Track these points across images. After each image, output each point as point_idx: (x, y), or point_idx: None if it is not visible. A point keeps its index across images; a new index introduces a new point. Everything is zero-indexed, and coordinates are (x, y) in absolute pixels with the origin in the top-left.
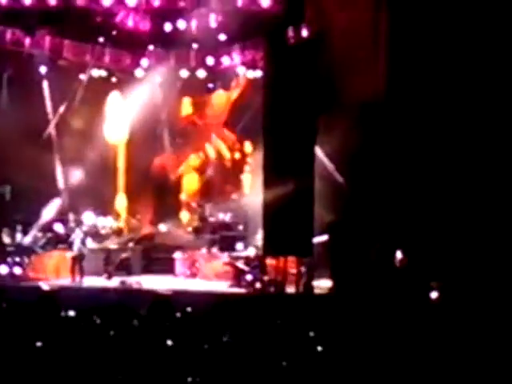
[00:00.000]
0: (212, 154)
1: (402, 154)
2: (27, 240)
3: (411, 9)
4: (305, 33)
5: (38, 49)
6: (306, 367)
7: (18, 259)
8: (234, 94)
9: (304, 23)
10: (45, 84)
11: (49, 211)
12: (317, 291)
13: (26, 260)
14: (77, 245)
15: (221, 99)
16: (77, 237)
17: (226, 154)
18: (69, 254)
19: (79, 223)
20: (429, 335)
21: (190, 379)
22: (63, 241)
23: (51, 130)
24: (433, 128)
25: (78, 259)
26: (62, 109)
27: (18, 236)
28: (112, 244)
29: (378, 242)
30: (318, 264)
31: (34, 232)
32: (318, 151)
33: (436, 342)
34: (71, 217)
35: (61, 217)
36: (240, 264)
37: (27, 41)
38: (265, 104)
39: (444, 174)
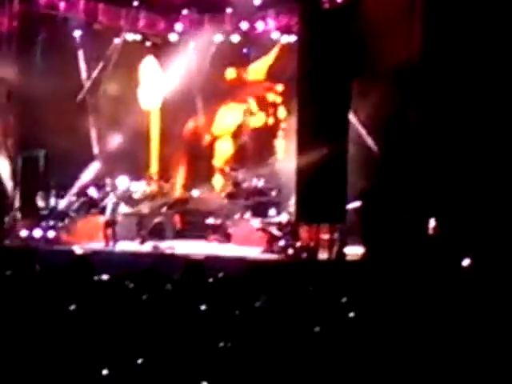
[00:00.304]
0: (246, 118)
1: (437, 121)
2: (61, 204)
3: None
4: None
5: (72, 12)
6: (338, 333)
7: (51, 223)
8: (271, 58)
9: None
10: (79, 48)
11: (87, 175)
12: (349, 258)
13: (60, 224)
14: (109, 209)
15: (260, 65)
16: (110, 201)
17: (261, 118)
18: (102, 219)
19: (113, 188)
20: (461, 303)
21: (221, 344)
22: (97, 205)
23: (85, 94)
24: (467, 96)
25: (111, 224)
26: (96, 73)
27: (52, 200)
28: (145, 209)
29: (412, 208)
30: (350, 230)
31: (68, 196)
32: (352, 117)
33: (468, 310)
34: (106, 181)
35: (96, 181)
36: (273, 230)
37: (62, 4)
38: (299, 69)
39: (478, 142)
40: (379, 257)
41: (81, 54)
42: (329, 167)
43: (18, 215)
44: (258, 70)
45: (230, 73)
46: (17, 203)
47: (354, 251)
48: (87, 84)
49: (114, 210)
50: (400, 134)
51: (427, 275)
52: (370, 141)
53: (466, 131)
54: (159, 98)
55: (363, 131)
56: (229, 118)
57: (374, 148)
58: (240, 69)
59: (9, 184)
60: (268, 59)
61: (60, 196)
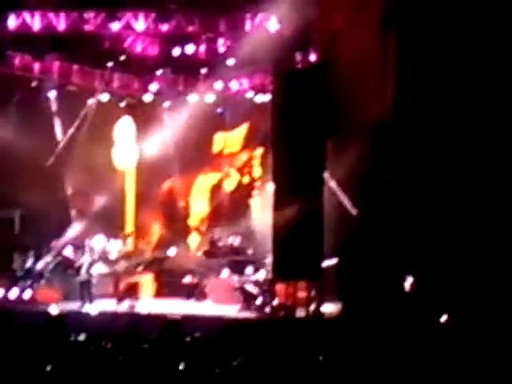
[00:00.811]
0: (221, 178)
1: (412, 177)
2: (37, 264)
3: (419, 32)
4: (313, 57)
5: (46, 74)
6: None
7: (27, 283)
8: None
9: (312, 47)
10: (54, 108)
11: (66, 235)
12: (326, 315)
13: (36, 284)
14: (84, 269)
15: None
16: (85, 261)
17: (235, 178)
18: (77, 279)
19: (89, 248)
20: (438, 359)
21: None
22: (73, 265)
23: (59, 155)
24: (442, 150)
25: (86, 283)
26: (69, 133)
27: (28, 260)
28: (121, 268)
29: (388, 265)
30: (327, 288)
31: (43, 256)
32: (327, 176)
33: (445, 365)
34: (84, 241)
35: (72, 241)
36: (249, 288)
37: (36, 66)
38: (273, 129)
39: (456, 197)
40: (356, 314)
41: (55, 114)
42: (305, 225)
43: None
44: (234, 140)
45: (218, 139)
46: None
47: (331, 308)
48: (60, 145)
49: (89, 269)
50: (376, 191)
51: (405, 332)
52: (345, 199)
53: (442, 186)
54: (134, 159)
55: (338, 190)
56: (205, 182)
57: (350, 207)
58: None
59: None
60: (242, 129)
61: (36, 256)
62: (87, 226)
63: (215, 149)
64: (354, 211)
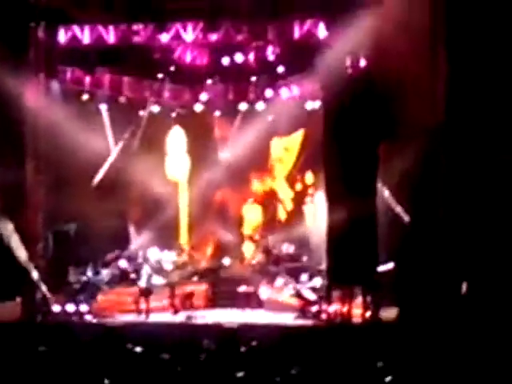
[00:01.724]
0: (274, 185)
1: (466, 180)
2: (93, 277)
3: (470, 33)
4: (362, 62)
5: (97, 87)
6: None
7: (84, 297)
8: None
9: (362, 53)
10: (105, 121)
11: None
12: (383, 320)
13: (92, 297)
14: (144, 280)
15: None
16: (144, 273)
17: (288, 185)
18: (135, 290)
19: (144, 259)
20: (496, 363)
21: None
22: (128, 277)
23: (113, 167)
24: (496, 152)
25: (145, 295)
26: (122, 145)
27: (85, 273)
28: (176, 278)
29: (444, 270)
30: (384, 293)
31: (99, 269)
32: (379, 182)
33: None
34: (138, 253)
35: (127, 253)
36: (305, 295)
37: (87, 79)
38: (325, 135)
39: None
40: (413, 319)
41: (107, 126)
42: (359, 230)
43: (48, 291)
44: (291, 147)
45: (275, 146)
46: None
47: (388, 313)
48: (113, 157)
49: (149, 280)
50: (429, 195)
51: (461, 336)
52: (397, 205)
53: (497, 189)
54: (187, 169)
55: (390, 195)
56: (259, 190)
57: (402, 213)
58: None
59: (22, 254)
60: (298, 135)
61: (92, 270)
62: (142, 237)
63: (272, 155)
64: (406, 217)
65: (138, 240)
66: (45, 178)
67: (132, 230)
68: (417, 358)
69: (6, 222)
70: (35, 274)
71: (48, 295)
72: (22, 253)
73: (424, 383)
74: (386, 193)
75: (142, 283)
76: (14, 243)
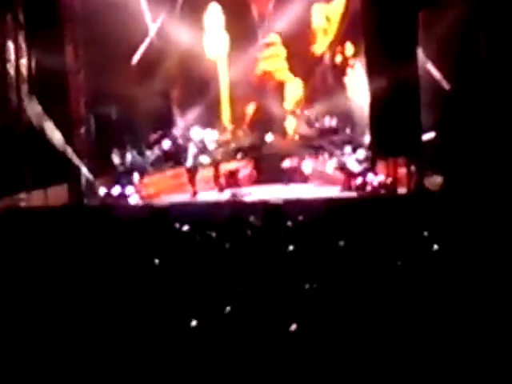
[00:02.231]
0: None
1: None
2: (137, 159)
3: None
4: None
5: None
6: (422, 267)
7: (129, 179)
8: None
9: None
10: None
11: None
12: (428, 189)
13: (137, 179)
14: (191, 159)
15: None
16: (189, 152)
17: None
18: (180, 170)
19: (188, 139)
20: None
21: (307, 286)
22: (172, 158)
23: (151, 46)
24: None
25: (193, 173)
26: (158, 25)
27: (128, 156)
28: (220, 157)
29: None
30: (428, 162)
31: (143, 151)
32: (419, 50)
33: None
34: (181, 133)
35: (169, 133)
36: (350, 168)
37: None
38: (364, 4)
39: None
40: (459, 186)
41: (144, 5)
42: (401, 101)
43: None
44: (333, 14)
45: (317, 11)
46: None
47: (432, 182)
48: (151, 35)
49: (194, 160)
50: (471, 65)
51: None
52: (438, 73)
53: None
54: (225, 46)
55: (431, 63)
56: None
57: (443, 81)
58: None
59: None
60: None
61: (136, 151)
62: (185, 117)
63: (314, 23)
64: (446, 85)
65: (180, 120)
66: (84, 61)
67: (174, 110)
68: (462, 226)
69: (35, 106)
70: (75, 158)
71: (91, 178)
72: (57, 136)
73: (470, 251)
74: (427, 60)
75: (188, 163)
76: (48, 127)
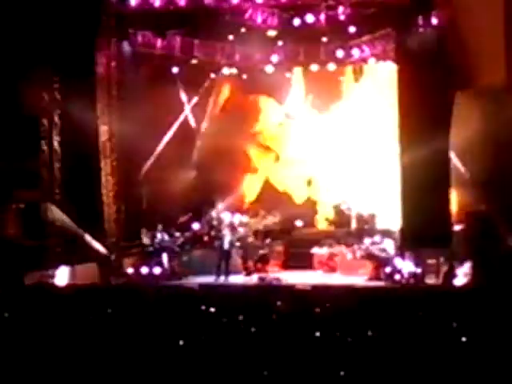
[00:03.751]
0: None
1: None
2: (166, 240)
3: None
4: (434, 20)
5: (169, 49)
6: (451, 358)
7: (157, 259)
8: None
9: (433, 11)
10: (178, 84)
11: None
12: (457, 281)
13: (165, 259)
14: (226, 243)
15: None
16: (224, 235)
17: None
18: (208, 252)
19: (219, 222)
20: None
21: (333, 373)
22: (202, 240)
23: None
24: None
25: (226, 257)
26: (190, 107)
27: (157, 236)
28: (249, 241)
29: None
30: (457, 253)
31: (172, 232)
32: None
33: None
34: (209, 215)
35: (198, 216)
36: (378, 256)
37: (158, 42)
38: (399, 95)
39: None
40: (488, 279)
41: (180, 89)
42: (432, 192)
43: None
44: None
45: None
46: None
47: (461, 274)
48: (186, 117)
49: (229, 243)
50: (496, 152)
51: None
52: (459, 162)
53: None
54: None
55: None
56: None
57: (463, 169)
58: None
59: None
60: None
61: (164, 232)
62: (215, 200)
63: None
64: (466, 174)
65: (210, 203)
66: (117, 143)
67: (204, 192)
68: (491, 318)
69: (51, 208)
70: (90, 239)
71: (112, 257)
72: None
73: (499, 343)
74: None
75: (225, 246)
76: (65, 220)
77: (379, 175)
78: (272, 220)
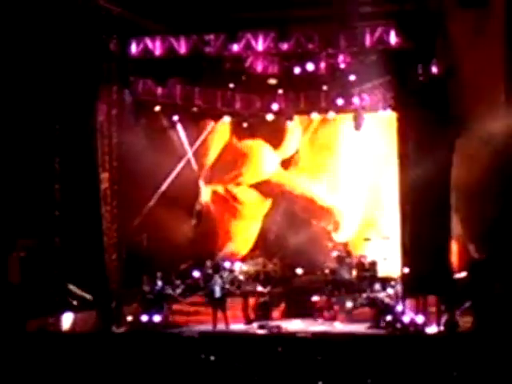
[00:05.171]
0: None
1: None
2: (166, 287)
3: None
4: (434, 69)
5: (169, 97)
6: None
7: (157, 307)
8: None
9: (433, 60)
10: (178, 131)
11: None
12: (458, 329)
13: (166, 307)
14: (218, 291)
15: None
16: (215, 283)
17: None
18: (209, 301)
19: (217, 269)
20: None
21: None
22: (201, 287)
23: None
24: None
25: (219, 305)
26: (191, 154)
27: (157, 283)
28: (249, 288)
29: None
30: (459, 301)
31: (172, 279)
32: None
33: None
34: (207, 263)
35: (197, 263)
36: (379, 304)
37: (159, 90)
38: (399, 143)
39: None
40: (490, 327)
41: (181, 136)
42: (433, 240)
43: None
44: None
45: None
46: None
47: (462, 322)
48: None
49: (222, 291)
50: (499, 208)
51: None
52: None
53: None
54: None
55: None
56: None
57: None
58: None
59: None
60: None
61: (164, 279)
62: (215, 248)
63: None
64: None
65: (211, 251)
66: (118, 191)
67: (204, 239)
68: (491, 367)
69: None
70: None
71: (112, 305)
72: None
73: None
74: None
75: (216, 294)
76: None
77: (380, 222)
78: (272, 267)
